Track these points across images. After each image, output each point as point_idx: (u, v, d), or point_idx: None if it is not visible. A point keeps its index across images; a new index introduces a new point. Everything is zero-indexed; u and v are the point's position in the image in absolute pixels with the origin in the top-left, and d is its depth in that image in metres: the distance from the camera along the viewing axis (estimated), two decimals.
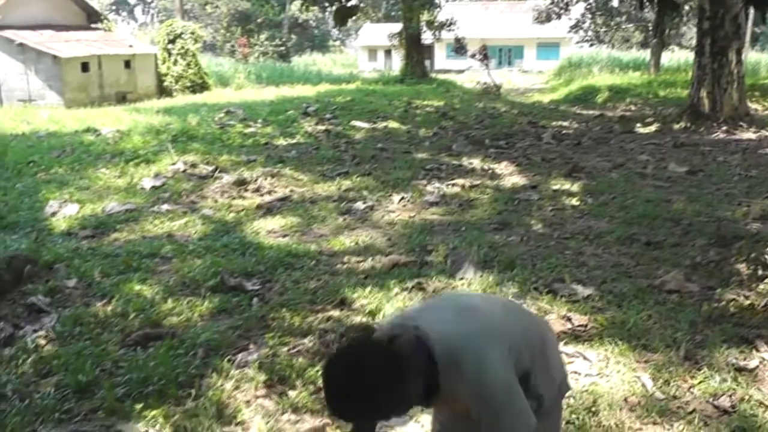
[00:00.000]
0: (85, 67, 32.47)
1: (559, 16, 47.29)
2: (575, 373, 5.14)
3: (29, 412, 4.69)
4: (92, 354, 5.48)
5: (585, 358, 5.39)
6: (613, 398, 4.92)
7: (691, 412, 4.75)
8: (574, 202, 10.46)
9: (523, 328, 2.97)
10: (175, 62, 36.91)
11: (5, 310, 6.58)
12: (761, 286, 6.74)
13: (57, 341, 5.82)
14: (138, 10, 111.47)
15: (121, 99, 32.93)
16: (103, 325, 6.12)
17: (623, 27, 52.91)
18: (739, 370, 5.26)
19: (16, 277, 7.17)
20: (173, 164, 12.81)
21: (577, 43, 57.66)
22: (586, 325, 5.98)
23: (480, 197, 10.69)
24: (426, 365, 2.62)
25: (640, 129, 17.89)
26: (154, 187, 11.41)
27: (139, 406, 4.68)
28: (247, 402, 4.86)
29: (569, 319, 6.07)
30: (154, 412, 4.62)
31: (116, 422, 4.57)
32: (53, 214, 10.00)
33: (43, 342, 5.80)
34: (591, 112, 21.07)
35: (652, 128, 18.03)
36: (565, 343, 5.59)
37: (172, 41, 37.26)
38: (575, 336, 5.78)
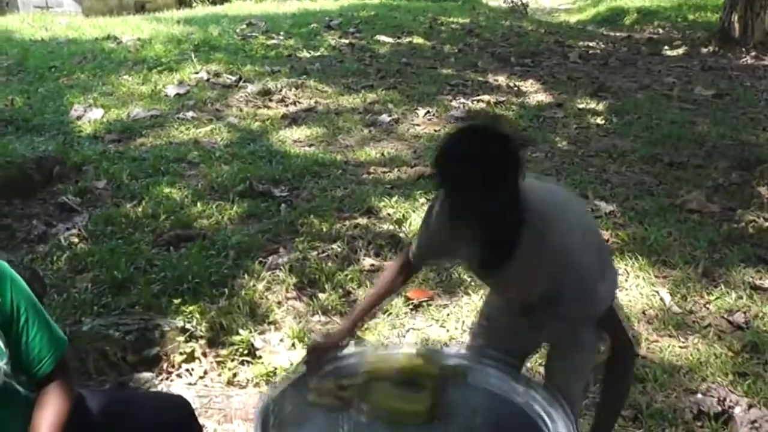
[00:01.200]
0: None
1: None
2: None
3: (68, 306, 4.81)
4: (126, 252, 5.58)
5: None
6: (632, 310, 5.04)
7: (706, 327, 4.88)
8: (599, 121, 10.39)
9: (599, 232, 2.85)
10: None
11: (37, 209, 6.69)
12: None
13: (90, 240, 5.93)
14: None
15: (140, 8, 32.61)
16: (134, 225, 6.21)
17: None
18: (755, 288, 5.37)
19: (46, 177, 7.27)
20: (196, 73, 12.73)
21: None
22: (607, 240, 6.03)
23: (505, 113, 10.65)
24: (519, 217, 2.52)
25: (668, 51, 17.64)
26: (178, 95, 11.37)
27: (175, 302, 4.79)
28: (279, 303, 4.96)
29: None
30: (190, 308, 4.72)
31: (154, 316, 4.66)
32: (78, 117, 10.01)
33: (76, 240, 5.91)
34: (618, 33, 20.75)
35: (680, 51, 17.77)
36: None
37: None
38: None
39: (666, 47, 17.91)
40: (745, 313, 5.02)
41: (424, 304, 5.06)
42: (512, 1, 27.74)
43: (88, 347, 4.31)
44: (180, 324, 4.56)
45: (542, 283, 2.59)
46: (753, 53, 16.83)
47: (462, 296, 5.17)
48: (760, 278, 5.51)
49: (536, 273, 2.59)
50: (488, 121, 2.65)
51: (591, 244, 2.63)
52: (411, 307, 5.02)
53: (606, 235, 6.11)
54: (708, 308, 5.13)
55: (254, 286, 5.11)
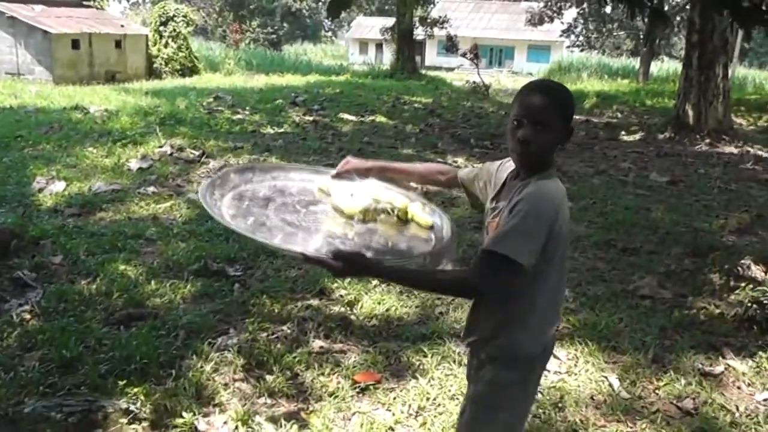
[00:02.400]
0: (75, 44, 32.42)
1: (551, 20, 47.56)
2: (544, 370, 5.29)
3: (14, 384, 4.81)
4: (76, 330, 5.60)
5: (555, 356, 5.49)
6: (580, 396, 5.09)
7: (654, 412, 4.93)
8: None
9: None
10: (166, 44, 36.89)
11: None
12: (732, 296, 6.89)
13: (42, 316, 5.93)
14: None
15: (111, 78, 32.90)
16: (87, 302, 6.22)
17: (614, 34, 53.15)
18: (705, 375, 5.44)
19: (2, 251, 7.26)
20: (160, 147, 12.85)
21: (568, 47, 57.85)
22: (558, 328, 6.12)
23: (463, 196, 10.77)
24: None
25: (625, 137, 18.06)
26: (140, 169, 11.47)
27: (121, 383, 4.80)
28: (225, 384, 4.98)
29: None
30: (135, 390, 4.73)
31: (99, 398, 4.66)
32: (40, 190, 10.07)
33: (28, 317, 5.91)
34: (577, 117, 21.14)
35: (637, 137, 18.20)
36: None
37: (164, 23, 37.24)
38: None
39: (623, 132, 18.32)
40: (694, 399, 5.10)
41: (371, 387, 5.08)
42: (474, 82, 28.24)
43: (29, 429, 4.33)
44: (124, 406, 4.56)
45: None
46: (707, 140, 17.25)
47: (410, 380, 5.19)
48: (710, 365, 5.60)
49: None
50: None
51: (551, 212, 2.85)
52: (357, 390, 5.03)
53: None
54: (657, 394, 5.19)
55: (202, 367, 5.13)
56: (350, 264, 2.83)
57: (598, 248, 8.49)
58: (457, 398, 4.88)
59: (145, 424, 4.51)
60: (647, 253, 8.40)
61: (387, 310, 6.34)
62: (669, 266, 7.92)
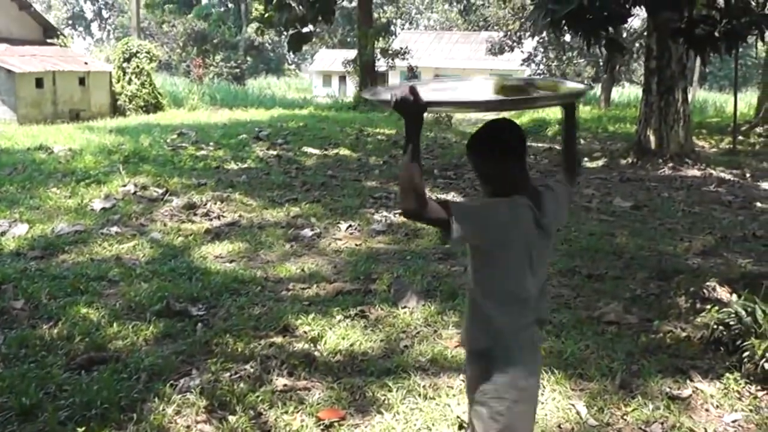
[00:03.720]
0: (39, 82, 32.27)
1: (512, 49, 47.92)
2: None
3: None
4: (36, 377, 5.55)
5: None
6: (547, 425, 5.11)
7: None
8: None
9: None
10: (130, 81, 36.78)
11: None
12: (698, 319, 6.94)
13: (2, 363, 5.89)
14: (95, 26, 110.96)
15: (75, 117, 32.75)
16: (48, 347, 6.19)
17: (575, 62, 53.66)
18: (673, 398, 5.48)
19: None
20: (124, 186, 12.86)
21: (529, 76, 58.56)
22: None
23: (426, 227, 10.84)
24: None
25: (588, 163, 18.21)
26: (104, 209, 11.45)
27: (81, 430, 4.76)
28: (188, 427, 4.96)
29: None
30: None
31: None
32: (2, 233, 10.02)
33: None
34: (540, 144, 21.33)
35: (600, 163, 18.37)
36: None
37: (128, 60, 37.15)
38: None
39: (586, 159, 18.45)
40: (662, 423, 5.14)
41: (336, 424, 5.06)
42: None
43: None
44: None
45: None
46: (670, 164, 17.43)
47: (375, 415, 5.18)
48: (678, 388, 5.63)
49: None
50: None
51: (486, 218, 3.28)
52: (322, 427, 5.01)
53: None
54: (625, 420, 5.22)
55: (164, 410, 5.10)
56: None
57: (562, 275, 8.53)
58: None
59: None
60: (612, 278, 8.47)
61: (351, 345, 6.35)
62: (634, 291, 8.00)
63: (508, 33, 47.45)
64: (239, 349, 6.22)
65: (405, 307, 7.31)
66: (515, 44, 47.26)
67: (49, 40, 37.77)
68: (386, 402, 5.34)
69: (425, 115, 3.04)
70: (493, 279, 3.32)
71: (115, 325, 6.69)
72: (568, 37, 39.53)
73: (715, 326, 6.50)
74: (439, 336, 6.57)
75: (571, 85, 4.11)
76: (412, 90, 2.94)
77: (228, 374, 5.70)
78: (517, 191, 3.25)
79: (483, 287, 3.34)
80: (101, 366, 5.78)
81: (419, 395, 5.40)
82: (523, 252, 3.26)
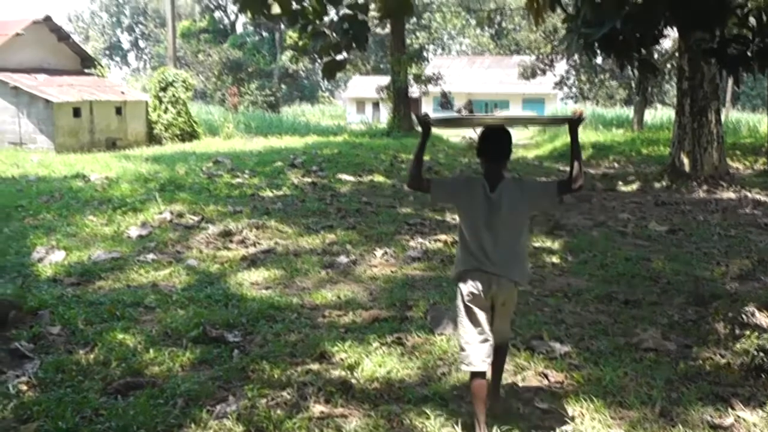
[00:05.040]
0: (76, 112, 32.64)
1: (544, 72, 47.78)
2: (550, 428, 5.24)
3: None
4: (73, 401, 5.57)
5: (561, 414, 5.47)
6: None
7: None
8: (555, 259, 10.55)
9: None
10: (166, 110, 37.13)
11: None
12: (738, 345, 6.82)
13: (39, 387, 5.91)
14: (131, 56, 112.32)
15: (111, 145, 33.09)
16: (85, 372, 6.21)
17: (607, 84, 53.44)
18: (714, 427, 5.36)
19: (0, 322, 7.26)
20: (160, 213, 12.92)
21: (562, 99, 58.16)
22: (562, 382, 6.08)
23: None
24: None
25: (622, 187, 18.10)
26: (140, 236, 11.53)
27: None
28: None
29: (546, 376, 6.17)
30: None
31: None
32: (40, 260, 10.11)
33: (24, 387, 5.89)
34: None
35: (634, 186, 18.25)
36: (542, 400, 5.70)
37: (164, 89, 37.51)
38: (552, 392, 5.88)
39: (620, 183, 18.32)
40: None
41: None
42: (470, 138, 28.34)
43: None
44: None
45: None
46: (704, 187, 17.26)
47: None
48: (719, 417, 5.51)
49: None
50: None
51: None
52: None
53: (561, 377, 6.17)
54: None
55: None
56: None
57: (599, 301, 8.46)
58: None
59: None
60: (649, 304, 8.36)
61: (388, 372, 6.29)
62: (672, 317, 7.89)
63: (540, 56, 47.31)
64: (276, 376, 6.19)
65: (442, 334, 7.24)
66: (547, 67, 47.10)
67: (86, 70, 38.23)
68: (424, 430, 5.29)
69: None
70: (461, 229, 5.20)
71: (151, 350, 6.71)
72: (599, 60, 39.33)
73: (755, 352, 6.40)
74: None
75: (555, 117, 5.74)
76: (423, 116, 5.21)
77: (265, 400, 5.66)
78: (486, 176, 5.05)
79: (459, 234, 5.25)
80: (138, 391, 5.79)
81: (457, 423, 5.32)
82: (476, 213, 5.01)
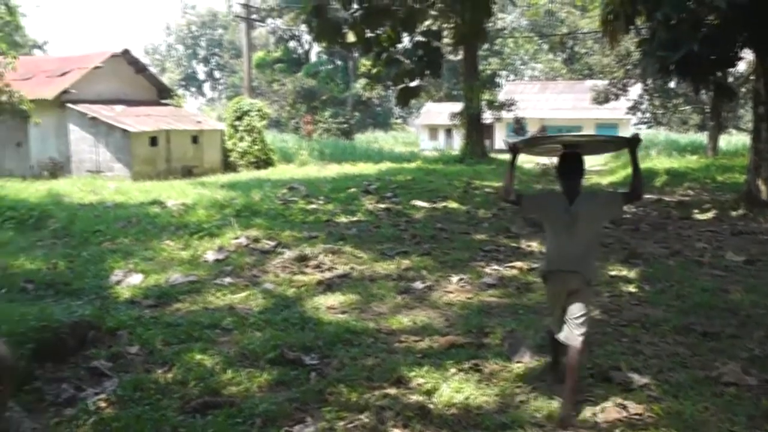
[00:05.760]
0: (153, 141, 33.26)
1: (617, 97, 47.20)
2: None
3: None
4: (152, 418, 5.65)
5: None
6: None
7: None
8: (631, 288, 10.32)
9: None
10: (241, 138, 37.64)
11: (68, 373, 6.79)
12: None
13: (117, 405, 6.00)
14: (206, 86, 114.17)
15: (187, 173, 33.60)
16: (163, 391, 6.28)
17: (680, 109, 52.63)
18: None
19: (80, 341, 7.39)
20: (236, 238, 13.03)
21: (635, 124, 57.40)
22: (641, 414, 5.91)
23: (537, 280, 10.64)
24: None
25: (698, 215, 17.69)
26: (217, 260, 11.63)
27: None
28: None
29: (625, 408, 6.00)
30: None
31: None
32: (118, 282, 10.25)
33: (103, 404, 5.99)
34: (649, 196, 20.77)
35: (710, 215, 17.81)
36: None
37: (239, 118, 38.05)
38: (631, 425, 5.72)
39: (696, 211, 17.92)
40: None
41: None
42: (544, 164, 28.20)
43: None
44: None
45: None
46: None
47: None
48: None
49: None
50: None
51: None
52: None
53: (640, 409, 5.99)
54: None
55: None
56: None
57: (677, 333, 8.20)
58: None
59: None
60: (728, 336, 8.08)
61: (466, 398, 6.21)
62: (752, 351, 7.59)
63: (613, 81, 46.78)
64: (353, 399, 6.16)
65: (519, 361, 7.14)
66: (620, 92, 46.54)
67: (163, 101, 38.96)
68: None
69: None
70: (546, 238, 6.41)
71: (229, 371, 6.74)
72: (673, 84, 38.83)
73: None
74: (554, 392, 6.35)
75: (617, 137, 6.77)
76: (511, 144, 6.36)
77: (343, 423, 5.65)
78: (565, 192, 6.07)
79: (545, 240, 6.42)
80: (216, 410, 5.83)
81: None
82: (558, 222, 6.07)
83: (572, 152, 6.22)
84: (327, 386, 6.42)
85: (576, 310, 6.04)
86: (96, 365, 6.87)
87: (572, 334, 6.01)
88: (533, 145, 7.26)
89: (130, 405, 5.99)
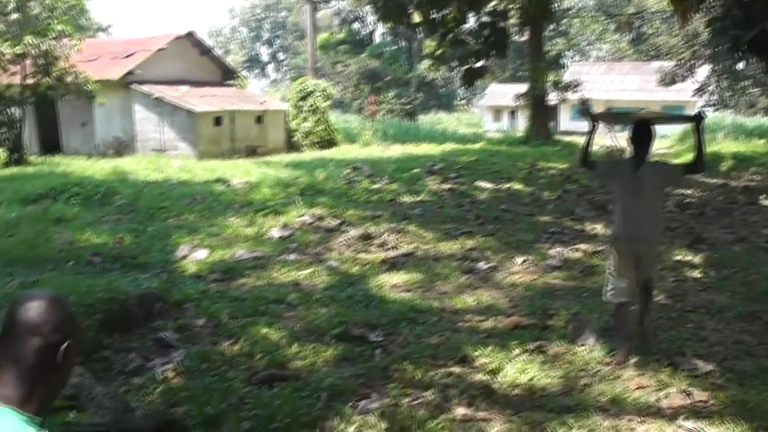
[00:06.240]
0: (217, 121, 33.45)
1: (684, 79, 46.24)
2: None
3: None
4: (219, 389, 5.72)
5: None
6: None
7: None
8: (696, 274, 10.10)
9: None
10: (305, 119, 37.70)
11: (135, 343, 6.94)
12: None
13: (185, 375, 6.10)
14: (270, 68, 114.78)
15: (251, 152, 33.76)
16: (229, 363, 6.37)
17: (748, 92, 51.50)
18: None
19: (147, 313, 7.53)
20: (301, 216, 13.10)
21: (702, 107, 56.50)
22: (706, 401, 5.77)
23: (601, 264, 10.47)
24: None
25: (764, 201, 17.27)
26: (281, 238, 11.71)
27: None
28: None
29: (689, 394, 5.88)
30: None
31: None
32: (183, 257, 10.39)
33: (171, 374, 6.09)
34: (714, 180, 20.30)
35: None
36: (685, 418, 5.42)
37: (303, 98, 38.12)
38: (695, 411, 5.59)
39: (762, 196, 17.44)
40: None
41: None
42: (609, 146, 27.82)
43: None
44: None
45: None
46: None
47: None
48: None
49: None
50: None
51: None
52: None
53: (705, 396, 5.85)
54: None
55: (344, 429, 5.11)
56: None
57: (742, 320, 7.98)
58: None
59: None
60: None
61: (530, 379, 6.16)
62: None
63: (680, 62, 45.85)
64: (418, 377, 6.16)
65: (583, 344, 7.04)
66: (687, 74, 45.62)
67: (227, 82, 39.20)
68: None
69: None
70: (615, 204, 7.10)
71: (294, 345, 6.80)
72: (741, 65, 37.92)
73: None
74: (619, 377, 6.26)
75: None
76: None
77: (407, 400, 5.63)
78: (634, 159, 6.80)
79: (614, 205, 7.16)
80: (282, 383, 5.88)
81: None
82: (625, 187, 6.76)
83: (644, 122, 6.89)
84: (392, 363, 6.44)
85: (643, 271, 6.82)
86: (163, 336, 7.00)
87: (638, 291, 6.87)
88: (610, 117, 8.34)
89: (197, 375, 6.09)
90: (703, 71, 46.68)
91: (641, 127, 6.82)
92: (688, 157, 26.37)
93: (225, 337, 7.07)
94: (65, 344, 2.36)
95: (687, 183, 18.21)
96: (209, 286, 8.91)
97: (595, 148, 28.91)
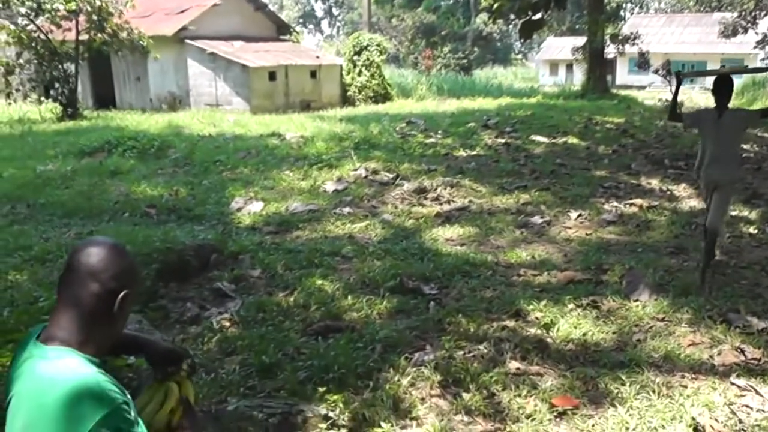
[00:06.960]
0: (272, 76, 33.51)
1: (745, 30, 45.08)
2: (746, 407, 4.94)
3: (215, 385, 5.03)
4: (275, 339, 5.79)
5: (757, 392, 5.14)
6: None
7: None
8: (752, 230, 9.93)
9: None
10: (360, 73, 37.64)
11: (192, 293, 7.04)
12: None
13: (241, 324, 6.18)
14: (324, 23, 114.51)
15: (306, 107, 33.81)
16: (285, 313, 6.44)
17: None
18: None
19: (203, 263, 7.64)
20: (355, 170, 13.13)
21: (763, 59, 54.92)
22: (759, 359, 5.68)
23: (657, 219, 10.39)
24: None
25: None
26: (336, 191, 11.75)
27: (321, 390, 4.91)
28: (422, 399, 4.95)
29: (742, 352, 5.79)
30: (334, 398, 4.83)
31: (298, 402, 4.77)
32: (238, 209, 10.49)
33: (227, 324, 6.19)
34: None
35: None
36: (737, 376, 5.37)
37: (358, 53, 38.03)
38: (748, 369, 5.52)
39: None
40: None
41: (569, 412, 4.88)
42: (667, 100, 27.37)
43: (232, 426, 4.44)
44: (323, 412, 4.64)
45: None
46: None
47: (608, 408, 4.94)
48: None
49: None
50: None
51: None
52: (555, 414, 4.85)
53: (758, 353, 5.75)
54: None
55: (399, 380, 5.13)
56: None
57: None
58: (658, 431, 4.63)
59: (343, 431, 4.53)
60: None
61: (584, 334, 6.13)
62: None
63: (743, 13, 44.67)
64: (472, 330, 6.16)
65: (637, 300, 7.00)
66: (749, 25, 44.42)
67: (281, 37, 39.19)
68: (619, 395, 5.10)
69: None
70: (700, 145, 7.86)
71: (349, 297, 6.85)
72: None
73: None
74: (672, 333, 6.21)
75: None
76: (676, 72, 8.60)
77: (461, 353, 5.65)
78: (717, 107, 7.54)
79: (700, 147, 7.85)
80: (337, 334, 5.94)
81: (653, 392, 5.10)
82: (710, 132, 7.59)
83: (725, 75, 7.92)
84: (446, 316, 6.44)
85: (719, 202, 7.64)
86: (219, 286, 7.09)
87: (713, 219, 7.62)
88: (694, 74, 9.74)
89: (253, 325, 6.17)
90: (766, 22, 45.49)
91: (722, 80, 7.64)
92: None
93: (280, 288, 7.15)
94: (122, 293, 2.41)
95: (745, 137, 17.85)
96: (264, 238, 9.00)
97: (650, 102, 28.63)
